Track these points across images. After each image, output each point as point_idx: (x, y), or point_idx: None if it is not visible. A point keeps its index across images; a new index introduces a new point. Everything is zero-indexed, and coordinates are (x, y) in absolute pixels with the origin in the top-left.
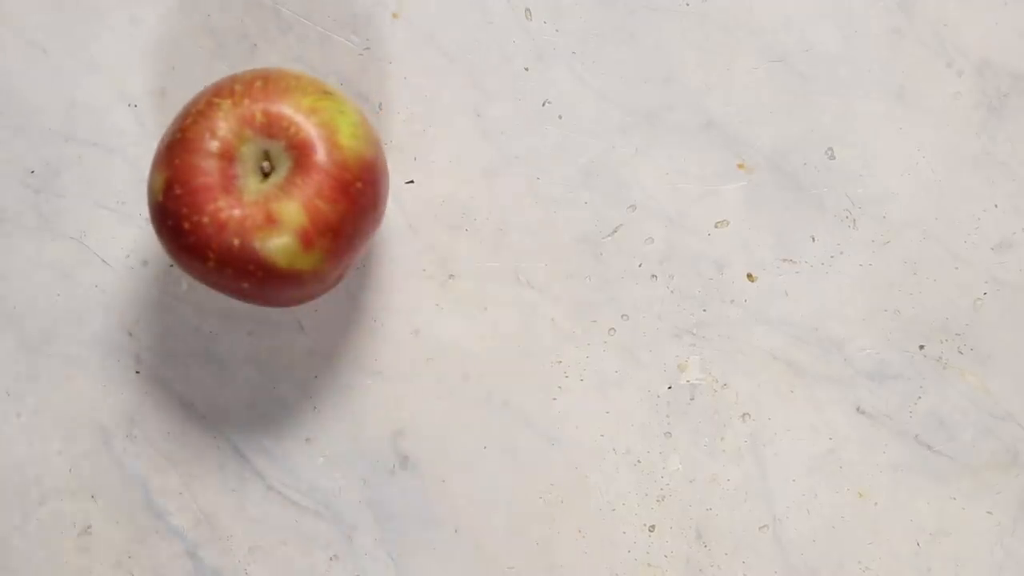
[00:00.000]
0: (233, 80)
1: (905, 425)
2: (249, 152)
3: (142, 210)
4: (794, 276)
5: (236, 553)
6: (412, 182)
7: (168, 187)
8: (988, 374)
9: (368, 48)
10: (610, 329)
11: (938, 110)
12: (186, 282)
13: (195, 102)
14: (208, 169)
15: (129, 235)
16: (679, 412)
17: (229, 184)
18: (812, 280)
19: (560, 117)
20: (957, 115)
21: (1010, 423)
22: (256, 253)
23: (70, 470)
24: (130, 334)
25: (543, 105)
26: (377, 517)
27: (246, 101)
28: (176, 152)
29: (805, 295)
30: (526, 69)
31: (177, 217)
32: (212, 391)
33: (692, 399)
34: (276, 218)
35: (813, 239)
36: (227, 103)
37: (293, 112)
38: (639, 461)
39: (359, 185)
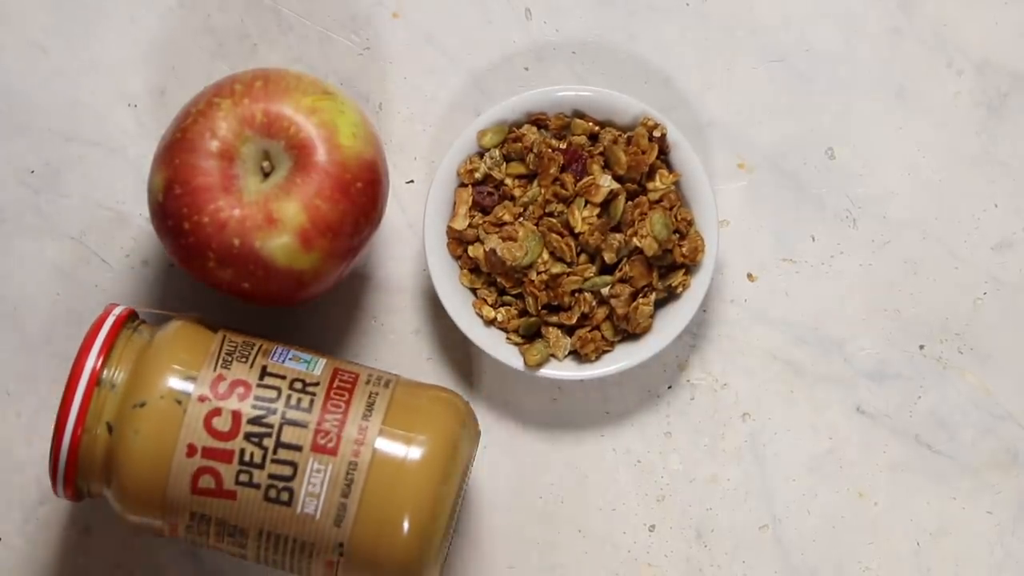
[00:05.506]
0: (233, 80)
1: (905, 425)
2: (249, 152)
3: (142, 210)
4: (794, 276)
5: None
6: (412, 182)
7: (168, 187)
8: (988, 374)
9: (368, 48)
10: None
11: (938, 110)
12: (186, 282)
13: (195, 102)
14: (208, 169)
15: (129, 235)
16: (679, 412)
17: (229, 184)
18: (812, 280)
19: None
20: (957, 115)
21: (1010, 423)
22: (256, 253)
23: None
24: None
25: None
26: None
27: (246, 101)
28: (176, 152)
29: (805, 295)
30: (526, 69)
31: (177, 217)
32: None
33: (692, 399)
34: (276, 218)
35: (813, 239)
36: (227, 103)
37: (293, 112)
38: (639, 461)
39: (359, 185)
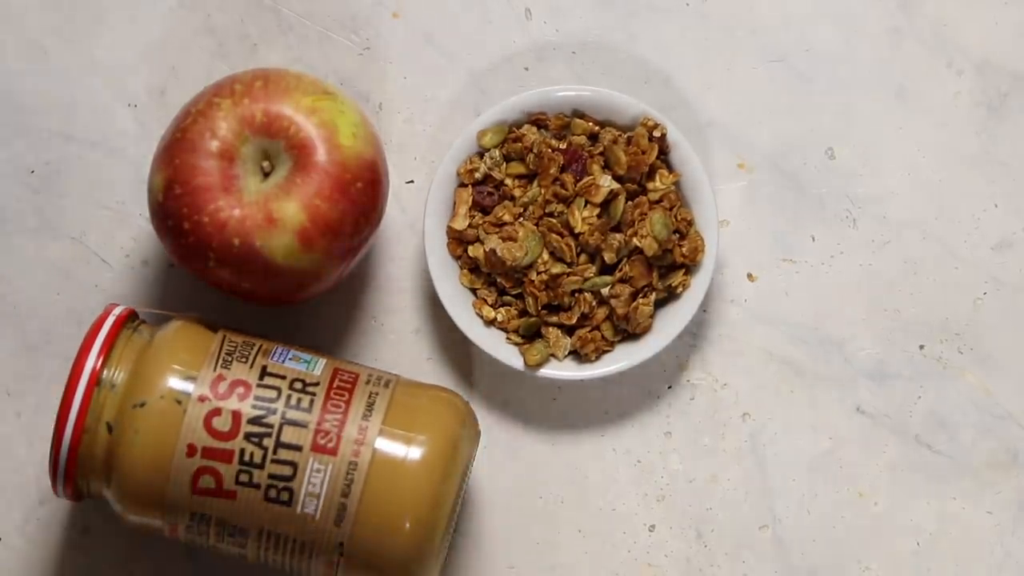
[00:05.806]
0: (233, 80)
1: (905, 425)
2: (249, 152)
3: (142, 210)
4: (794, 276)
5: None
6: (412, 182)
7: (168, 187)
8: (988, 374)
9: (368, 48)
10: None
11: (938, 110)
12: (186, 282)
13: (195, 102)
14: (208, 169)
15: (129, 235)
16: (679, 412)
17: (229, 184)
18: (812, 280)
19: None
20: (957, 115)
21: (1010, 423)
22: (256, 253)
23: None
24: None
25: None
26: None
27: (246, 101)
28: (176, 152)
29: (805, 295)
30: (526, 69)
31: (177, 217)
32: None
33: (692, 399)
34: (276, 218)
35: (813, 239)
36: (227, 103)
37: (293, 112)
38: (639, 461)
39: (359, 185)
